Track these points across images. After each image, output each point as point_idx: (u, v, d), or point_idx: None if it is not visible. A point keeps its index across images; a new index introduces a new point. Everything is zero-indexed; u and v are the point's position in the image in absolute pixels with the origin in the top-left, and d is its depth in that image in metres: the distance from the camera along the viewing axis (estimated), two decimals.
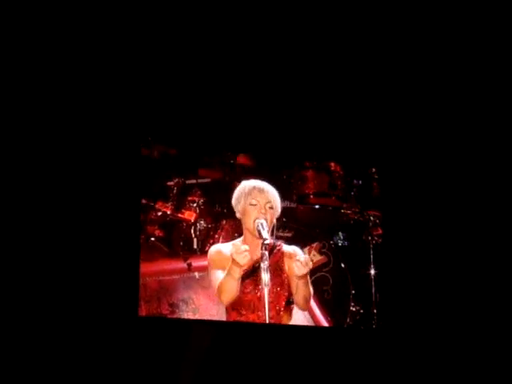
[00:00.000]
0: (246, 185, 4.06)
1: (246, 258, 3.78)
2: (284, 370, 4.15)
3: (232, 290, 3.87)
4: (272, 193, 4.04)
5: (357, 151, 4.60)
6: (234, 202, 4.06)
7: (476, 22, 4.47)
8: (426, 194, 4.61)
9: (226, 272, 3.85)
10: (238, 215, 4.04)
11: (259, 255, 3.83)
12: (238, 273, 3.83)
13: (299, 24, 4.43)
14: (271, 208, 3.99)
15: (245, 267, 3.86)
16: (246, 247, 3.80)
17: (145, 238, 4.12)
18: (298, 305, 4.03)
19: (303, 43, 4.49)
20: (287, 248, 4.09)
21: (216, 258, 3.97)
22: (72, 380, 3.80)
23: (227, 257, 3.90)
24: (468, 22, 4.47)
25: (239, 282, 3.87)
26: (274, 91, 4.51)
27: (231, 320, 3.99)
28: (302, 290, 3.95)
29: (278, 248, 4.04)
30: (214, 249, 4.03)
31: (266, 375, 4.10)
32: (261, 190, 4.01)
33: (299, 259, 3.87)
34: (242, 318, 3.95)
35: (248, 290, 3.97)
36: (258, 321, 3.93)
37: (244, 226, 4.02)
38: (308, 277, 3.95)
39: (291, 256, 4.04)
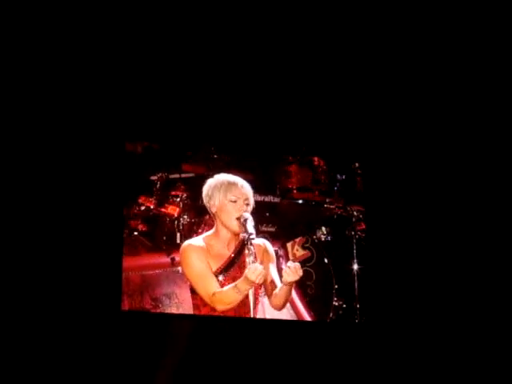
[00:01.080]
0: (224, 180, 3.94)
1: (262, 279, 3.71)
2: (268, 365, 4.15)
3: (235, 302, 3.78)
4: (249, 189, 3.94)
5: (340, 146, 4.61)
6: (207, 195, 3.94)
7: (455, 24, 4.52)
8: (410, 188, 4.62)
9: (232, 285, 3.74)
10: (213, 210, 3.92)
11: (233, 250, 3.89)
12: (247, 290, 3.74)
13: (280, 21, 4.44)
14: (247, 205, 3.90)
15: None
16: (262, 268, 3.68)
17: (128, 232, 4.12)
18: (276, 306, 3.91)
19: (286, 40, 4.50)
20: (257, 241, 3.87)
21: (192, 252, 3.87)
22: (54, 374, 3.80)
23: (201, 251, 3.86)
24: (447, 23, 4.51)
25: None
26: (257, 86, 4.51)
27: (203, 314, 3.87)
28: (286, 294, 3.83)
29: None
30: (186, 246, 3.92)
31: (250, 370, 4.11)
32: (240, 186, 3.91)
33: (289, 266, 3.73)
34: (216, 313, 3.83)
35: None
36: (234, 315, 3.85)
37: (219, 222, 3.91)
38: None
39: (261, 248, 3.95)
